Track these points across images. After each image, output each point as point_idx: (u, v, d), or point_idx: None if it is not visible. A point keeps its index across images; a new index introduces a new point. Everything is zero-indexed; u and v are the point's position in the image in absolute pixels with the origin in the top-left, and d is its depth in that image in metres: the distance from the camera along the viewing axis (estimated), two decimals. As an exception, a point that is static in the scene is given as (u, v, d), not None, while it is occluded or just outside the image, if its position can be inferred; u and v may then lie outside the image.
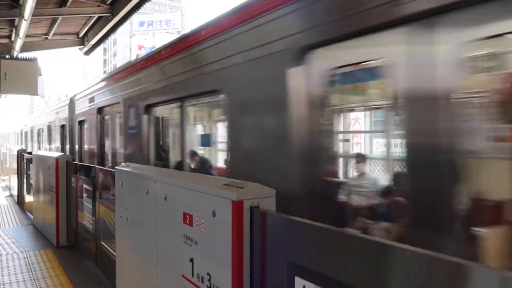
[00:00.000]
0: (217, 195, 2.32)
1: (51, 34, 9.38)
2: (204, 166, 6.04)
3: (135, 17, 59.28)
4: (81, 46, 10.26)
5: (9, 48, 9.21)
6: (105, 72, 78.48)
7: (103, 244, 5.09)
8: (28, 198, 10.06)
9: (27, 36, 7.99)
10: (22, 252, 6.47)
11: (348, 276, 1.63)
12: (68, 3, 7.56)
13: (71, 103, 8.88)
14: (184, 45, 3.84)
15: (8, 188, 14.93)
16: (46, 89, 12.34)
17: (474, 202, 1.94)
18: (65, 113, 9.39)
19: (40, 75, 9.68)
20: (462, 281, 1.26)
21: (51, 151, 11.19)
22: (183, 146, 4.06)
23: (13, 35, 8.48)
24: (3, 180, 17.03)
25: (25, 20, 6.57)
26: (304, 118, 2.44)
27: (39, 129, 14.20)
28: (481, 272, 1.22)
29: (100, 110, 6.67)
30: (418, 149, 1.90)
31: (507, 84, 1.88)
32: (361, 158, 4.55)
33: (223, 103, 3.18)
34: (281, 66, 2.57)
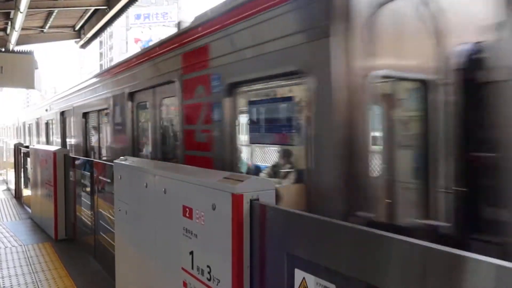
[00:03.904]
0: (217, 188, 2.33)
1: (47, 27, 9.29)
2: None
3: (132, 10, 58.78)
4: (77, 39, 10.18)
5: (4, 41, 9.14)
6: (101, 65, 77.99)
7: (102, 237, 5.11)
8: (26, 192, 10.05)
9: (22, 29, 7.92)
10: (20, 245, 6.49)
11: (348, 268, 1.65)
12: (64, -4, 7.50)
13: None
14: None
15: (6, 182, 14.90)
16: (42, 82, 12.23)
17: None
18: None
19: (37, 68, 9.62)
20: (459, 272, 1.29)
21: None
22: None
23: (9, 28, 8.41)
24: (0, 174, 16.99)
25: (20, 12, 6.51)
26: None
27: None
28: (477, 262, 1.24)
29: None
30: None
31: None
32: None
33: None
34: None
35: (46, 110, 11.12)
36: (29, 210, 9.08)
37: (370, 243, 1.59)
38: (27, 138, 15.63)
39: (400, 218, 2.73)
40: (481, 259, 1.23)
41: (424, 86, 2.73)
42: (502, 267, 1.17)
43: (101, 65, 78.64)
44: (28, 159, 9.28)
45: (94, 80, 7.11)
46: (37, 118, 12.84)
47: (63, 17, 9.01)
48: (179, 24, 4.38)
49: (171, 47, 4.29)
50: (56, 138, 10.13)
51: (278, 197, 2.40)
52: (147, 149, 5.20)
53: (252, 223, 2.18)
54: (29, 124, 14.97)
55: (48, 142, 11.39)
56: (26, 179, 10.00)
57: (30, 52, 9.41)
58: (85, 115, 7.51)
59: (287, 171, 3.38)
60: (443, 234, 2.61)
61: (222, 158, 3.41)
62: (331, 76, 2.28)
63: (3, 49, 9.15)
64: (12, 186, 12.30)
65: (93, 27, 9.12)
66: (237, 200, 2.16)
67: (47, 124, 11.38)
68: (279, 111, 3.17)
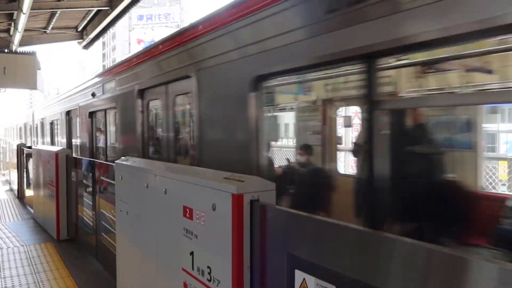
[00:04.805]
0: (217, 189, 2.32)
1: (49, 28, 9.32)
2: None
3: (134, 11, 58.89)
4: (80, 40, 10.19)
5: (7, 42, 9.16)
6: (104, 66, 78.20)
7: (103, 237, 5.11)
8: (28, 192, 10.08)
9: (25, 30, 7.94)
10: (23, 246, 6.50)
11: (348, 269, 1.64)
12: (67, -3, 7.53)
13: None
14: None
15: (8, 182, 14.95)
16: (45, 83, 12.14)
17: None
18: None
19: (39, 69, 9.63)
20: (461, 273, 1.27)
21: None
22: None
23: (12, 29, 8.43)
24: (3, 175, 17.05)
25: (23, 13, 6.52)
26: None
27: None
28: (479, 264, 1.23)
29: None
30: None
31: None
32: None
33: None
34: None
35: (93, 94, 6.73)
36: (31, 211, 9.10)
37: (371, 244, 1.58)
38: (47, 139, 11.52)
39: None
40: (483, 261, 1.22)
41: None
42: (504, 269, 1.16)
43: (103, 66, 78.84)
44: (31, 160, 9.30)
45: None
46: (69, 111, 8.89)
47: (66, 18, 9.03)
48: None
49: None
50: (123, 143, 5.58)
51: None
52: None
53: (253, 224, 2.17)
54: (52, 121, 10.79)
55: (94, 151, 7.11)
56: (29, 179, 10.03)
57: (32, 53, 9.43)
58: (260, 81, 2.87)
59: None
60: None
61: None
62: None
63: (6, 50, 9.17)
64: (15, 186, 12.33)
65: (95, 28, 9.13)
66: (237, 200, 2.15)
67: (92, 117, 7.10)
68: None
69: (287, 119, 3.43)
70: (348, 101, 3.17)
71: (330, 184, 3.26)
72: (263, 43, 2.74)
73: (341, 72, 2.65)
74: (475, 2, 1.66)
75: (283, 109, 3.67)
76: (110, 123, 6.51)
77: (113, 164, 4.27)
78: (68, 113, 8.97)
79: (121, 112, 5.61)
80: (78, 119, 8.03)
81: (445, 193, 2.83)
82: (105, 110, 6.51)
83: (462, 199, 2.91)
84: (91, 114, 7.13)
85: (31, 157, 9.27)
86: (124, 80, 5.40)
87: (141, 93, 4.88)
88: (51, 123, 11.01)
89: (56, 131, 10.43)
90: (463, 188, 3.05)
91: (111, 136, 6.49)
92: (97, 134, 7.17)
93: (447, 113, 3.20)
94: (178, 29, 4.11)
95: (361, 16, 2.07)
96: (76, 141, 8.36)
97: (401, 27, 1.89)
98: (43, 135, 12.29)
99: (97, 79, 6.78)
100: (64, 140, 9.23)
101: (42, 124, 12.27)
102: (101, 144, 6.98)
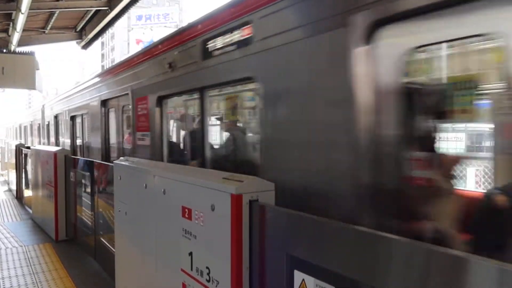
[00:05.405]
0: (216, 189, 2.31)
1: (48, 28, 9.30)
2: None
3: (133, 11, 58.94)
4: (79, 40, 10.18)
5: (6, 42, 9.15)
6: (103, 66, 78.17)
7: (102, 238, 5.10)
8: (27, 193, 10.05)
9: (24, 30, 7.92)
10: (21, 246, 6.48)
11: (348, 269, 1.63)
12: (65, -4, 7.52)
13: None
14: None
15: (7, 182, 14.92)
16: (44, 84, 12.12)
17: None
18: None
19: (38, 69, 9.62)
20: (461, 274, 1.27)
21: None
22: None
23: (10, 29, 8.42)
24: (2, 175, 17.02)
25: (22, 13, 6.51)
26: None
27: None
28: (480, 265, 1.22)
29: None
30: None
31: None
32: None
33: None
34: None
35: (172, 65, 3.67)
36: (30, 211, 9.08)
37: (371, 244, 1.58)
38: (63, 141, 8.82)
39: None
40: (483, 261, 1.21)
41: None
42: (505, 270, 1.15)
43: (102, 66, 78.82)
44: (29, 160, 9.27)
45: None
46: (105, 101, 5.88)
47: (64, 18, 9.01)
48: None
49: None
50: None
51: None
52: None
53: (252, 224, 2.16)
54: (74, 117, 7.87)
55: None
56: (27, 180, 10.00)
57: (31, 53, 9.42)
58: None
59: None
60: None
61: None
62: None
63: (4, 50, 9.16)
64: (14, 186, 12.31)
65: (94, 28, 9.12)
66: (236, 200, 2.14)
67: (161, 107, 4.05)
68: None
69: None
70: None
71: None
72: None
73: None
74: None
75: None
76: (228, 116, 3.79)
77: (112, 164, 4.25)
78: (104, 103, 5.92)
79: (272, 93, 2.54)
80: (128, 112, 4.91)
81: None
82: (201, 90, 3.36)
83: None
84: (161, 101, 4.04)
85: (29, 157, 9.25)
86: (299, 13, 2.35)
87: (371, 33, 1.91)
88: (72, 119, 7.95)
89: (79, 130, 7.60)
90: None
91: (226, 142, 3.82)
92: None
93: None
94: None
95: None
96: (120, 146, 5.49)
97: None
98: (57, 136, 9.50)
99: (184, 36, 3.57)
100: (97, 142, 6.19)
101: (57, 121, 9.42)
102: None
